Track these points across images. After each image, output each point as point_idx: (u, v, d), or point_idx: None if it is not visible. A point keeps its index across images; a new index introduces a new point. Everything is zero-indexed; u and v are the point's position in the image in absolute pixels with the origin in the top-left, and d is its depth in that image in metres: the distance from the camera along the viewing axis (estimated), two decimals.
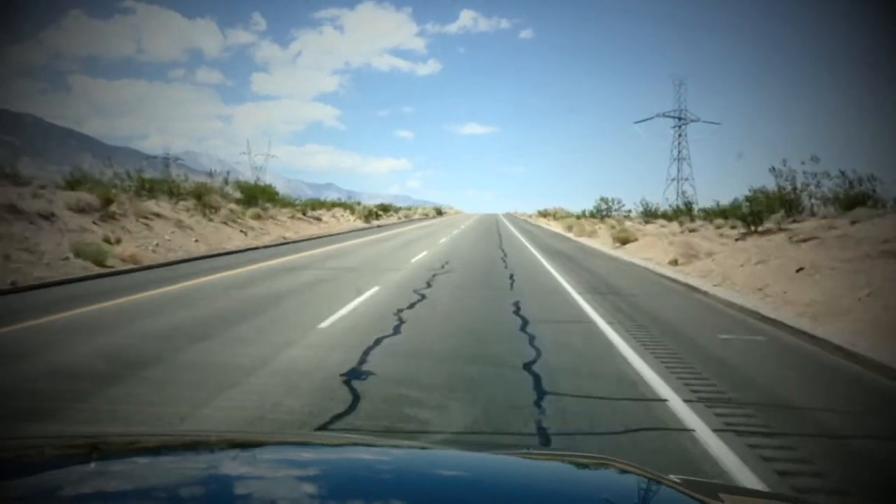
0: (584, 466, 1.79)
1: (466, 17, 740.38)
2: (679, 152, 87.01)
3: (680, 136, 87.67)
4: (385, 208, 75.01)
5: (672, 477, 1.54)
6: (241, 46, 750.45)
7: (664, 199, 76.20)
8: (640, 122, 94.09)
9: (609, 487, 1.54)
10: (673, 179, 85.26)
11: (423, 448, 2.24)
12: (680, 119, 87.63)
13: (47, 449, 1.56)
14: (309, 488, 1.29)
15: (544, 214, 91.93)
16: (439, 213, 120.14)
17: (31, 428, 4.32)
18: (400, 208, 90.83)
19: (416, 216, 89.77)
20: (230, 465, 1.50)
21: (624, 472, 1.63)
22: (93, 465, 1.39)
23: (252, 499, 1.22)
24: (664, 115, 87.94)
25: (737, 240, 19.97)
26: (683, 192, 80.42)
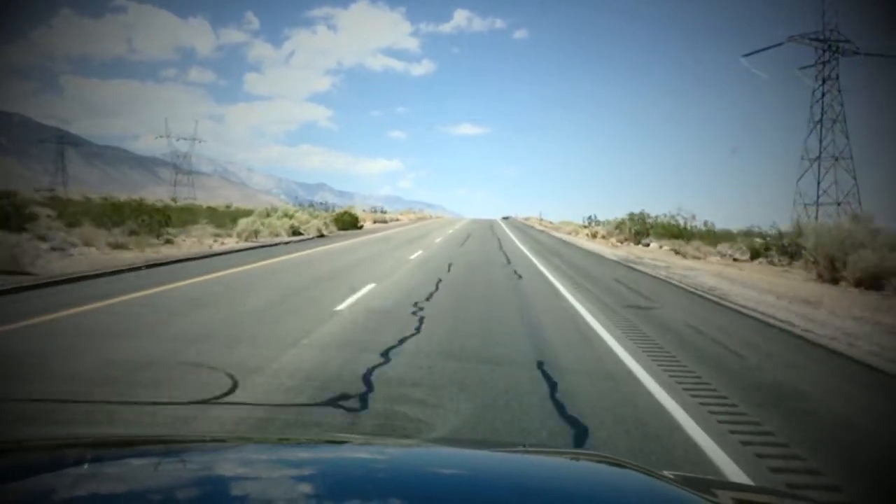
0: (580, 463, 1.81)
1: (460, 17, 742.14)
2: (823, 111, 45.93)
3: (825, 81, 45.66)
4: (162, 217, 23.05)
5: (666, 473, 1.54)
6: (234, 46, 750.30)
7: (797, 195, 46.04)
8: (751, 54, 53.13)
9: (604, 483, 1.53)
10: (814, 159, 46.00)
11: (418, 446, 2.23)
12: (829, 46, 45.65)
13: (44, 452, 1.54)
14: (306, 489, 1.29)
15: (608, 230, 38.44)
16: (353, 223, 44.14)
17: None
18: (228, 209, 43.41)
19: (278, 238, 27.39)
20: (227, 466, 1.48)
21: (619, 468, 1.65)
22: (89, 467, 1.37)
23: (249, 500, 1.21)
24: (800, 39, 46.44)
25: None
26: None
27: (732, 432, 4.64)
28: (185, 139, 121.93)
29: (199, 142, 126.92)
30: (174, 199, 60.39)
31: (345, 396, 5.05)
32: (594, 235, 40.80)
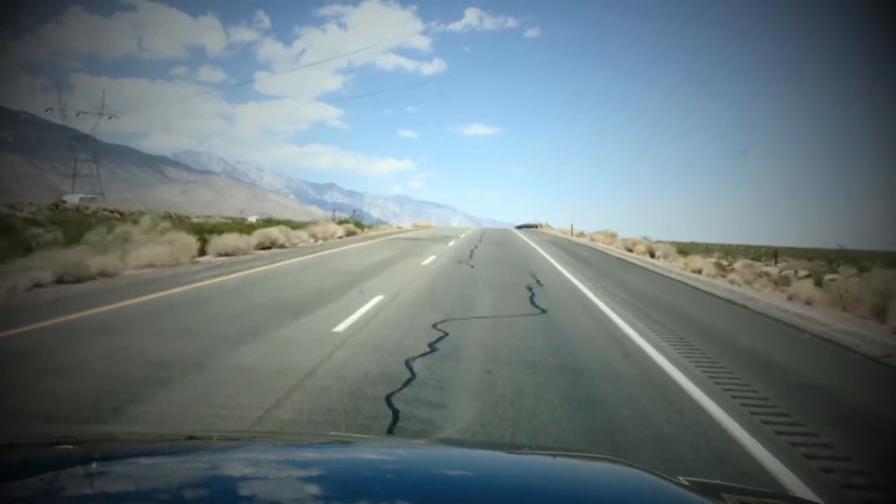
0: (590, 465, 1.79)
1: (472, 16, 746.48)
2: None
3: None
4: None
5: (681, 478, 1.51)
6: (245, 44, 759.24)
7: None
8: None
9: (614, 486, 1.50)
10: None
11: (426, 446, 2.18)
12: None
13: (49, 450, 1.53)
14: (314, 488, 1.27)
15: None
16: None
17: None
18: None
19: None
20: (234, 464, 1.45)
21: (629, 471, 1.63)
22: (95, 465, 1.37)
23: (256, 498, 1.19)
24: None
25: None
26: None
27: None
28: (85, 113, 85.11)
29: (110, 118, 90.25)
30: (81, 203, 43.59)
31: None
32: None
